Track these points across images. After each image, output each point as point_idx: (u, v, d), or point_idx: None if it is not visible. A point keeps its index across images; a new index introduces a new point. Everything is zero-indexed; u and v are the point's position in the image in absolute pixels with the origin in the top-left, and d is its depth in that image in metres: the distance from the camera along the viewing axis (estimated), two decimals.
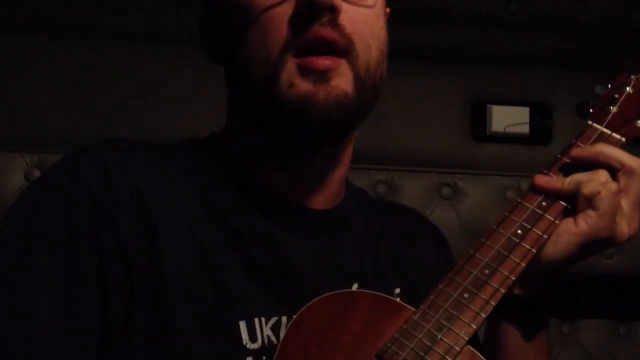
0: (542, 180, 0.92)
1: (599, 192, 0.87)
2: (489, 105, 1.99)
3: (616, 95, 0.99)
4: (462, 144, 2.02)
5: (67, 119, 1.81)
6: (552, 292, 0.94)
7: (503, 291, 0.85)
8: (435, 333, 0.81)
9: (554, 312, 0.98)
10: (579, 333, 2.01)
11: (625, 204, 0.90)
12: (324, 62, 0.83)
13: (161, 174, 0.87)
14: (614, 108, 0.98)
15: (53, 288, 0.79)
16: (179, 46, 1.82)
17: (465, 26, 1.92)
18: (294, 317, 0.80)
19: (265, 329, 0.83)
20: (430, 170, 1.90)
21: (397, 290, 0.92)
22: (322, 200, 0.94)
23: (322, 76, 0.83)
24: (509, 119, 1.98)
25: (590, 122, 0.97)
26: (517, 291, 0.93)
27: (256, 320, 0.83)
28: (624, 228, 0.89)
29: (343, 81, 0.84)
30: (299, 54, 0.83)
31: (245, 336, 0.82)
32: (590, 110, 0.99)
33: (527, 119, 1.97)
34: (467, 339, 0.81)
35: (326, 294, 0.82)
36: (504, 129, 1.96)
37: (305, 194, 0.93)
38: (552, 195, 0.91)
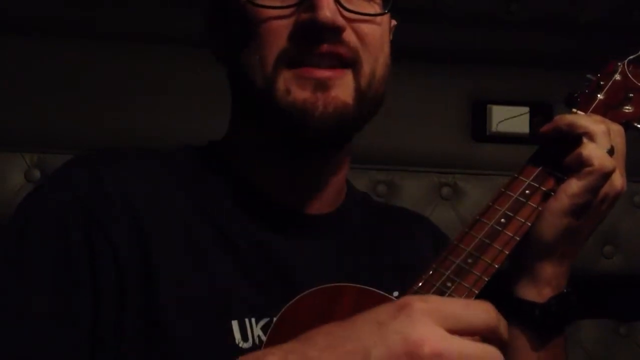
0: (543, 129, 0.95)
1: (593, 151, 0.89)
2: (489, 105, 1.99)
3: (602, 83, 1.00)
4: (462, 144, 2.02)
5: (67, 119, 1.82)
6: (567, 300, 0.93)
7: (486, 279, 0.85)
8: None
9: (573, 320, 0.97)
10: (579, 333, 2.01)
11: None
12: (323, 73, 0.83)
13: (154, 179, 0.88)
14: (601, 95, 0.99)
15: (46, 292, 0.80)
16: (179, 46, 1.83)
17: (465, 26, 1.92)
18: (280, 313, 0.80)
19: (255, 329, 0.83)
20: (430, 170, 1.90)
21: (396, 294, 0.92)
22: (319, 204, 0.94)
23: (322, 85, 0.83)
24: (509, 119, 1.98)
25: (574, 110, 0.98)
26: (528, 296, 0.93)
27: (247, 320, 0.83)
28: (619, 181, 0.92)
29: (344, 91, 0.84)
30: (297, 65, 0.84)
31: (237, 335, 0.82)
32: (578, 99, 1.00)
33: (527, 118, 1.97)
34: None
35: (310, 290, 0.82)
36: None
37: (302, 198, 0.93)
38: (538, 174, 0.93)
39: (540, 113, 1.98)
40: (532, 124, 1.97)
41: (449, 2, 1.85)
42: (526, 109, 1.98)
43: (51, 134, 1.80)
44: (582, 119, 0.92)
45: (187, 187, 0.90)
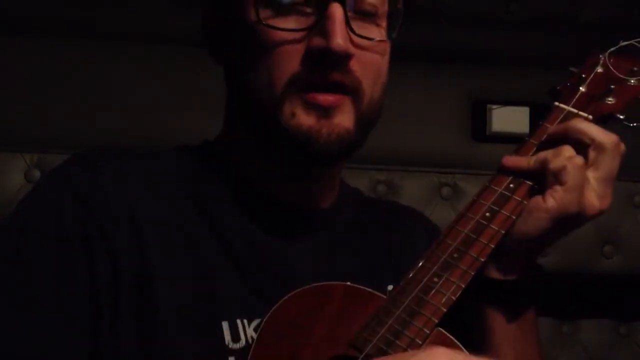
0: (508, 160, 0.94)
1: (564, 167, 0.88)
2: (489, 105, 1.99)
3: (584, 75, 1.00)
4: (462, 144, 2.02)
5: (67, 119, 1.82)
6: (535, 276, 0.94)
7: (472, 273, 0.86)
8: (406, 317, 0.81)
9: (547, 303, 0.98)
10: (579, 333, 2.02)
11: (593, 178, 0.90)
12: (327, 98, 0.85)
13: (153, 179, 0.89)
14: (583, 88, 0.99)
15: (45, 291, 0.81)
16: (179, 46, 1.83)
17: (465, 26, 1.92)
18: (269, 313, 0.81)
19: (248, 330, 0.84)
20: (430, 170, 1.90)
21: (390, 287, 0.92)
22: (317, 202, 0.95)
23: (326, 112, 0.85)
24: (509, 118, 1.98)
25: (557, 103, 0.98)
26: (498, 275, 0.93)
27: (238, 321, 0.84)
28: (594, 201, 0.90)
29: (346, 118, 0.86)
30: (304, 89, 0.84)
31: (227, 336, 0.83)
32: (561, 92, 1.00)
33: (527, 119, 1.97)
34: (436, 321, 0.81)
35: (299, 289, 0.83)
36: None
37: (301, 198, 0.94)
38: (520, 174, 0.93)
39: (540, 113, 1.97)
40: (532, 123, 1.96)
41: (449, 2, 1.86)
42: (526, 109, 1.98)
43: (51, 134, 1.80)
44: (593, 129, 0.92)
45: (186, 187, 0.90)
